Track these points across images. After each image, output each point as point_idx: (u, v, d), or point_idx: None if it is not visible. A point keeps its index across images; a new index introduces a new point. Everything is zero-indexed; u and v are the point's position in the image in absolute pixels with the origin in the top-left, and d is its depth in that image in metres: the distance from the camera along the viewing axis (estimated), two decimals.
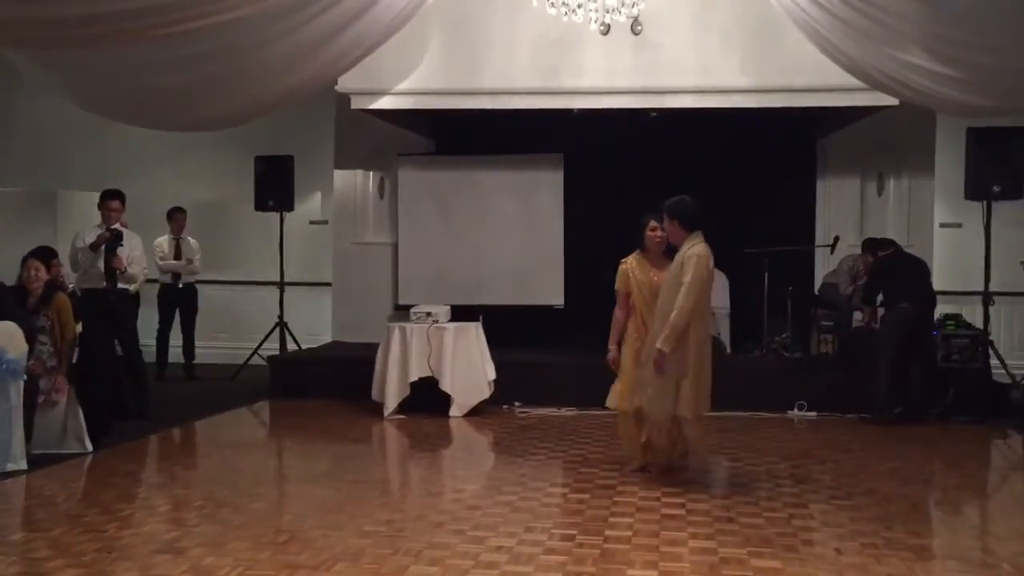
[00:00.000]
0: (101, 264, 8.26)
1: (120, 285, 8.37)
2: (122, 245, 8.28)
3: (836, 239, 9.84)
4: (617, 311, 6.47)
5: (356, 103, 9.57)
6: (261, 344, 10.56)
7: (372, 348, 8.76)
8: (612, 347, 6.45)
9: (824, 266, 10.29)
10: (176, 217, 10.54)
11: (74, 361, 6.89)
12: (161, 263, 10.39)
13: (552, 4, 7.44)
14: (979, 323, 8.94)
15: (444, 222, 10.60)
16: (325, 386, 9.27)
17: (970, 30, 6.59)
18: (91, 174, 11.00)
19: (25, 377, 6.34)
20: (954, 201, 10.07)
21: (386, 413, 8.43)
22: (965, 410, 8.35)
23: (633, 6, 7.62)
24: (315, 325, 11.19)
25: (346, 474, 6.53)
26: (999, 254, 9.19)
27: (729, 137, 9.98)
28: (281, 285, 10.61)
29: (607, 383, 6.49)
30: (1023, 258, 9.50)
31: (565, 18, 7.57)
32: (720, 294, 9.73)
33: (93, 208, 8.67)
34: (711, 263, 6.03)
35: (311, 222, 11.62)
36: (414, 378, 8.47)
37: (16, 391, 6.27)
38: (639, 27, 8.64)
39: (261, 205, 10.62)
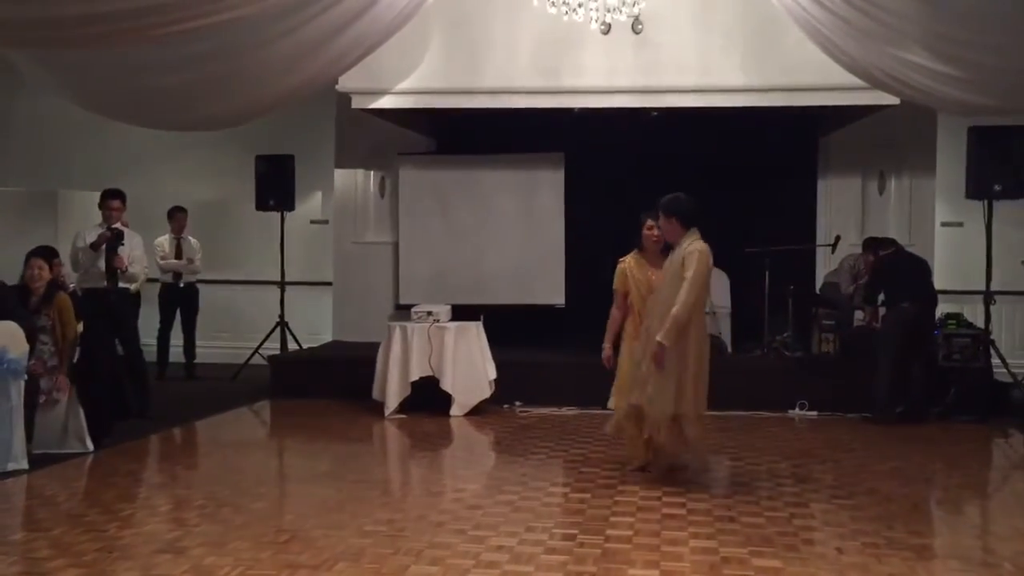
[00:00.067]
0: (102, 264, 8.26)
1: (121, 285, 8.38)
2: (123, 244, 8.28)
3: (837, 238, 9.84)
4: (614, 310, 6.50)
5: (357, 102, 9.57)
6: (262, 344, 10.56)
7: (373, 348, 8.76)
8: (607, 345, 6.47)
9: (825, 265, 10.28)
10: (177, 216, 10.54)
11: (75, 361, 6.89)
12: (162, 263, 10.39)
13: (553, 3, 7.43)
14: (980, 322, 8.93)
15: (445, 221, 10.60)
16: (326, 386, 9.27)
17: (971, 29, 6.59)
18: (92, 174, 11.01)
19: (26, 377, 6.35)
20: (955, 200, 10.06)
21: (387, 412, 8.43)
22: (966, 409, 8.34)
23: (634, 5, 7.61)
24: (316, 325, 11.19)
25: (347, 473, 6.53)
26: (1000, 253, 9.19)
27: (730, 136, 9.97)
28: (282, 285, 10.61)
29: (608, 382, 6.50)
30: None
31: (566, 17, 7.56)
32: (721, 293, 9.74)
33: (94, 208, 8.67)
34: (711, 260, 6.05)
35: (312, 221, 11.63)
36: (415, 377, 8.47)
37: (17, 391, 6.27)
38: (640, 26, 8.63)
39: (262, 204, 10.62)
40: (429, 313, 8.66)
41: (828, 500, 5.79)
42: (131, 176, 10.58)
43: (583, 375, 7.99)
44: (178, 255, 10.45)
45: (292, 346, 10.58)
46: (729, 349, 9.75)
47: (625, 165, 10.19)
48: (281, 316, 10.56)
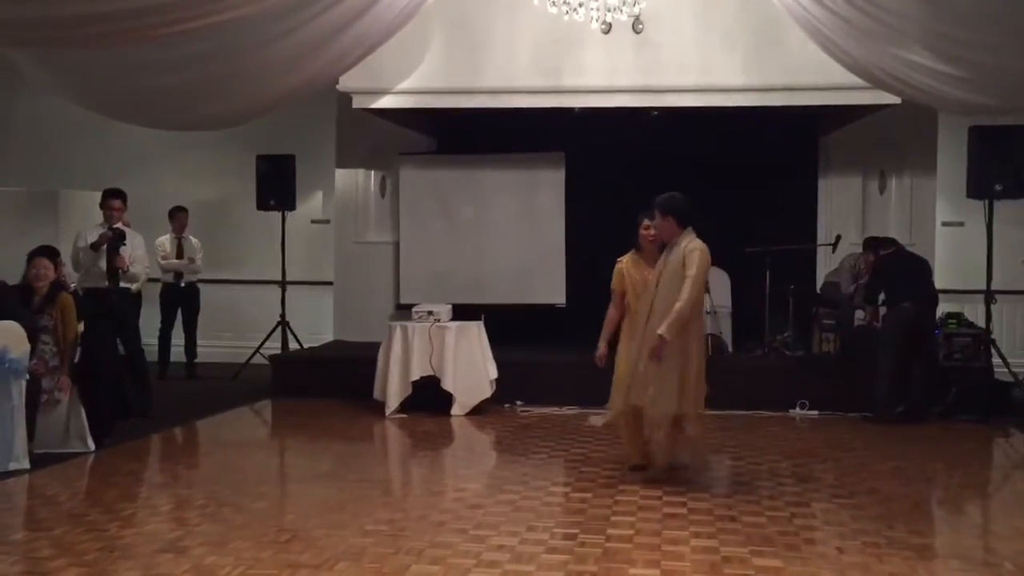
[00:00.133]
0: (103, 263, 8.26)
1: (122, 284, 8.37)
2: (124, 244, 8.28)
3: (838, 238, 9.84)
4: (611, 309, 6.52)
5: (357, 102, 9.58)
6: (263, 343, 10.57)
7: (374, 347, 8.76)
8: (601, 344, 6.48)
9: (826, 265, 10.28)
10: (178, 216, 10.55)
11: (76, 360, 6.89)
12: (163, 262, 10.40)
13: (553, 3, 7.43)
14: (981, 322, 8.93)
15: (446, 221, 10.61)
16: (327, 385, 9.27)
17: (972, 29, 6.59)
18: (93, 174, 11.01)
19: (28, 376, 6.35)
20: (956, 200, 10.07)
21: (388, 412, 8.44)
22: (967, 409, 8.34)
23: (634, 5, 7.61)
24: (317, 324, 11.20)
25: (348, 473, 6.53)
26: (1001, 253, 9.19)
27: (731, 136, 9.98)
28: (283, 284, 10.62)
29: (609, 382, 6.48)
30: None
31: (566, 17, 7.56)
32: (722, 293, 9.76)
33: (95, 208, 8.67)
34: (710, 258, 6.07)
35: (313, 221, 11.63)
36: (416, 377, 8.47)
37: (18, 390, 6.27)
38: (640, 26, 8.63)
39: (263, 204, 10.62)
40: (430, 313, 8.66)
41: (829, 499, 5.79)
42: (132, 176, 10.59)
43: (584, 374, 7.97)
44: (179, 255, 10.45)
45: (293, 346, 10.58)
46: (730, 348, 9.76)
47: (625, 165, 10.19)
48: (282, 316, 10.56)
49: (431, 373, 8.47)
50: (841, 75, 8.40)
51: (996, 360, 8.83)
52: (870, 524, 5.24)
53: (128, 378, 8.04)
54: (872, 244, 9.07)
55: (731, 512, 5.43)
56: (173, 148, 11.20)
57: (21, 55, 7.71)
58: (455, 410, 8.48)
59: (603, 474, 6.31)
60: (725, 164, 10.12)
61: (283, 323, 10.55)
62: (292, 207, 10.68)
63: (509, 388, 8.82)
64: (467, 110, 9.60)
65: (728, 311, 9.89)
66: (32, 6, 5.90)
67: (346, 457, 7.21)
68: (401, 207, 10.74)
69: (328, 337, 11.06)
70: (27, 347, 6.36)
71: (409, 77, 9.30)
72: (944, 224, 10.71)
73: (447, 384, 8.47)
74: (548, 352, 9.72)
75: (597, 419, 6.47)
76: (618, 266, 6.49)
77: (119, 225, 8.40)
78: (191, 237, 10.57)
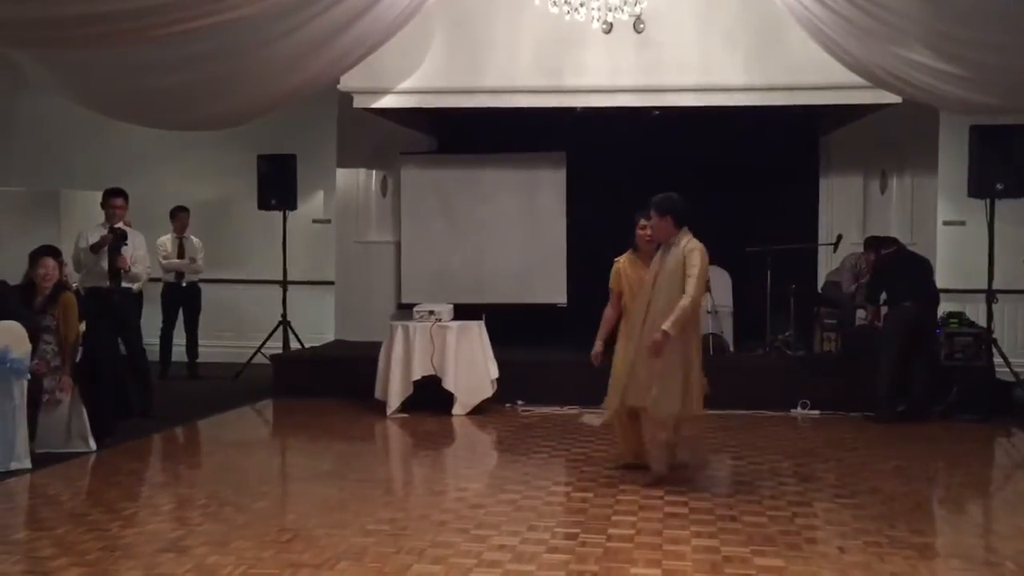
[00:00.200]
0: (105, 263, 8.26)
1: (124, 284, 8.37)
2: (126, 244, 8.28)
3: (839, 237, 9.84)
4: (608, 309, 6.55)
5: (359, 102, 9.57)
6: (264, 343, 10.57)
7: (375, 347, 8.76)
8: (598, 342, 6.50)
9: (827, 264, 10.28)
10: (179, 216, 10.55)
11: (78, 360, 6.89)
12: (164, 262, 10.40)
13: (554, 3, 7.43)
14: (982, 321, 8.93)
15: (447, 221, 10.61)
16: (328, 385, 9.27)
17: (973, 28, 6.59)
18: (94, 173, 11.01)
19: (29, 376, 6.36)
20: (957, 199, 10.06)
21: (389, 412, 8.44)
22: (968, 408, 8.34)
23: (635, 4, 7.60)
24: (318, 324, 11.20)
25: (349, 473, 6.54)
26: (1002, 252, 9.19)
27: (732, 135, 9.98)
28: (284, 284, 10.62)
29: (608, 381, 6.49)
30: None
31: (567, 16, 7.56)
32: (723, 292, 9.76)
33: (96, 208, 8.67)
34: (708, 258, 6.10)
35: (314, 221, 11.63)
36: (417, 377, 8.48)
37: (20, 390, 6.28)
38: (641, 25, 8.63)
39: (264, 204, 10.62)
40: (431, 312, 8.66)
41: (830, 499, 5.79)
42: (133, 176, 10.59)
43: (585, 374, 7.97)
44: (180, 254, 10.46)
45: (294, 345, 10.59)
46: (731, 348, 9.76)
47: (627, 164, 10.18)
48: (283, 315, 10.57)
49: (432, 373, 8.48)
50: (842, 74, 8.40)
51: (997, 359, 8.83)
52: (872, 523, 5.24)
53: (129, 378, 8.05)
54: (873, 243, 9.07)
55: (732, 512, 5.43)
56: (174, 148, 11.20)
57: (23, 55, 7.71)
58: (456, 410, 8.48)
59: (604, 474, 6.31)
60: (726, 164, 10.11)
61: (284, 323, 10.56)
62: (293, 207, 10.69)
63: (510, 388, 8.82)
64: (468, 110, 9.60)
65: (729, 310, 9.89)
66: (32, 6, 5.90)
67: (347, 457, 7.21)
68: (402, 207, 10.74)
69: (329, 337, 11.07)
70: (28, 347, 6.37)
71: (410, 77, 9.30)
72: (945, 223, 10.71)
73: (448, 384, 8.47)
74: (549, 352, 9.72)
75: (592, 418, 6.47)
76: (616, 266, 6.51)
77: (120, 225, 8.39)
78: (192, 237, 10.57)
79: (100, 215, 8.54)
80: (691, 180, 9.43)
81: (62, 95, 8.87)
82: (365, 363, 8.77)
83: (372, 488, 6.04)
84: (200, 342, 10.58)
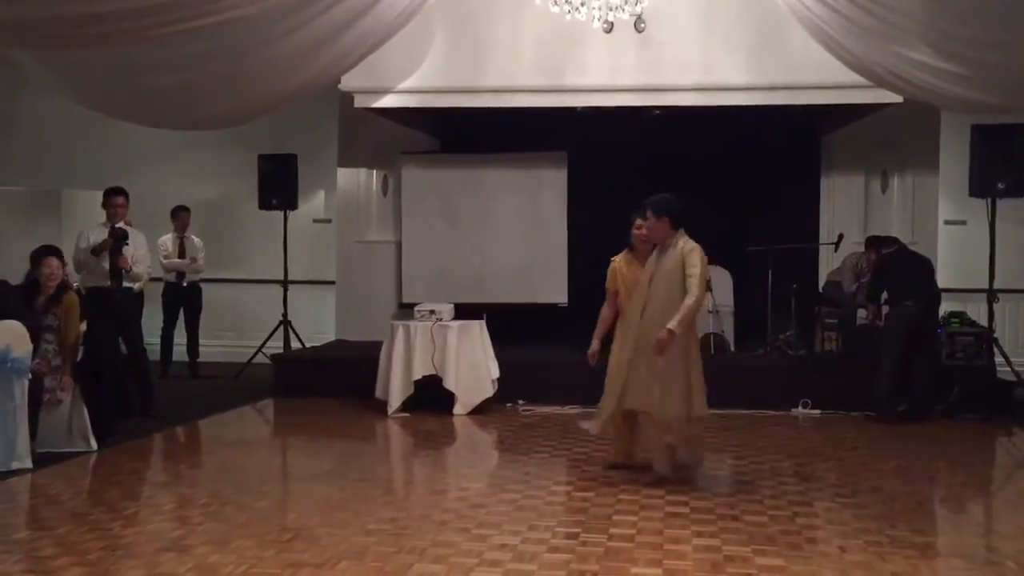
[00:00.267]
0: (106, 263, 8.26)
1: (125, 284, 8.37)
2: (127, 244, 8.28)
3: (840, 237, 9.83)
4: (605, 308, 6.57)
5: (359, 101, 9.57)
6: (265, 342, 10.57)
7: (376, 346, 8.76)
8: (595, 342, 6.50)
9: (828, 264, 10.28)
10: (180, 216, 10.56)
11: (79, 360, 6.90)
12: (165, 261, 10.40)
13: (555, 2, 7.43)
14: (983, 320, 8.93)
15: (448, 220, 10.61)
16: (329, 384, 9.28)
17: (974, 26, 6.59)
18: (95, 173, 11.00)
19: (30, 376, 6.36)
20: (958, 198, 10.05)
21: (390, 411, 8.44)
22: (969, 407, 8.34)
23: (636, 4, 7.60)
24: (319, 323, 11.19)
25: (350, 472, 6.53)
26: (1004, 251, 9.19)
27: (733, 135, 9.98)
28: (285, 283, 10.62)
29: None
30: None
31: (568, 16, 7.56)
32: (724, 292, 9.76)
33: (97, 207, 8.67)
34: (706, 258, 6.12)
35: (315, 220, 11.63)
36: (418, 376, 8.48)
37: (21, 390, 6.28)
38: (642, 25, 8.63)
39: (265, 204, 10.62)
40: (432, 312, 8.66)
41: (831, 498, 5.79)
42: (134, 175, 10.59)
43: (586, 374, 7.99)
44: (181, 254, 10.46)
45: (295, 345, 10.59)
46: (732, 347, 9.76)
47: (628, 164, 10.18)
48: (284, 315, 10.57)
49: (433, 372, 8.48)
50: (843, 74, 8.39)
51: (999, 359, 8.82)
52: (872, 523, 5.23)
53: (130, 377, 8.06)
54: (874, 243, 9.07)
55: (733, 511, 5.43)
56: (175, 147, 11.20)
57: (23, 54, 7.71)
58: (457, 409, 8.48)
59: (605, 473, 6.31)
60: (727, 163, 10.12)
61: (285, 322, 10.56)
62: (294, 206, 10.69)
63: (511, 387, 8.82)
64: (469, 109, 9.60)
65: (730, 310, 9.89)
66: (32, 6, 5.90)
67: (348, 456, 7.21)
68: (403, 206, 10.75)
69: (330, 336, 11.07)
70: (29, 346, 6.37)
71: (411, 76, 9.30)
72: (946, 223, 10.70)
73: (449, 383, 8.47)
74: (550, 351, 9.71)
75: (590, 425, 6.47)
76: (612, 265, 6.53)
77: (121, 224, 8.40)
78: (193, 236, 10.58)
79: (101, 215, 8.54)
80: (692, 179, 9.47)
81: (63, 95, 8.87)
82: (366, 363, 8.77)
83: (373, 487, 6.04)
84: (201, 342, 10.58)
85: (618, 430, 6.34)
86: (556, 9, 7.50)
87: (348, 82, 9.34)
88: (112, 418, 7.20)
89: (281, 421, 8.78)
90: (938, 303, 8.68)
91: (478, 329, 8.72)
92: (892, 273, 8.61)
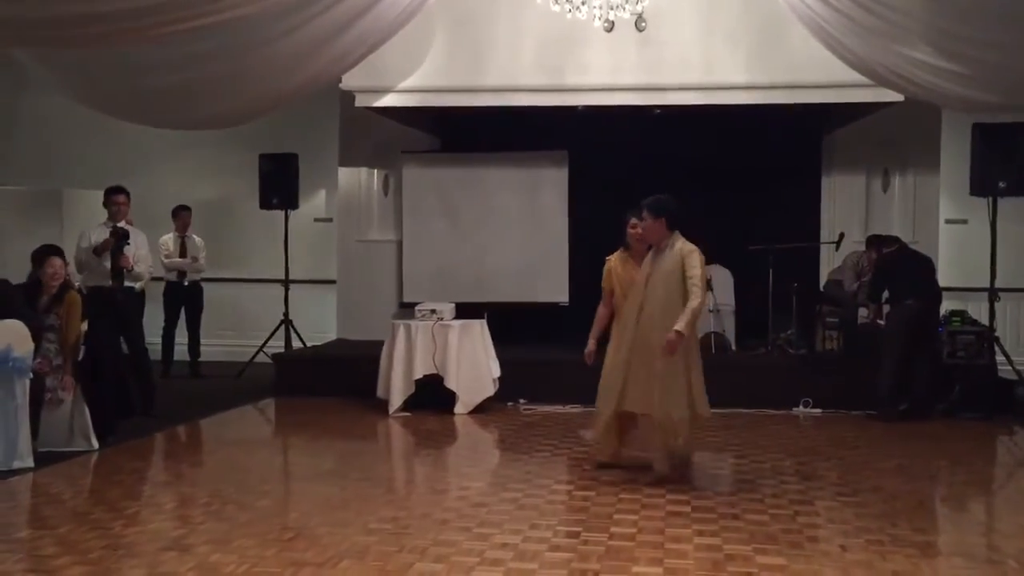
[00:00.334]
0: (107, 262, 8.26)
1: (126, 283, 8.38)
2: (128, 243, 8.28)
3: (841, 236, 9.83)
4: (601, 308, 6.57)
5: (360, 101, 9.58)
6: (266, 342, 10.57)
7: (377, 345, 8.77)
8: (591, 341, 6.51)
9: (829, 263, 10.27)
10: (181, 215, 10.56)
11: (80, 359, 6.90)
12: (166, 261, 10.41)
13: (556, 1, 7.43)
14: (984, 319, 8.93)
15: (449, 219, 10.61)
16: (330, 384, 9.28)
17: (975, 25, 6.59)
18: (96, 173, 10.98)
19: (31, 375, 6.36)
20: (959, 197, 10.05)
21: (391, 410, 8.45)
22: (970, 406, 8.34)
23: (637, 3, 7.60)
24: (320, 323, 11.20)
25: (351, 471, 6.54)
26: (1005, 250, 9.18)
27: (734, 134, 9.97)
28: (286, 283, 10.62)
29: None
30: None
31: (569, 15, 7.56)
32: (725, 291, 9.76)
33: (99, 206, 8.68)
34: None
35: (316, 220, 11.63)
36: (419, 375, 8.48)
37: (22, 389, 6.29)
38: (643, 24, 8.62)
39: (266, 203, 10.62)
40: (433, 311, 8.66)
41: (832, 497, 5.79)
42: (135, 175, 10.58)
43: (587, 373, 8.00)
44: (182, 253, 10.46)
45: (296, 344, 10.59)
46: (733, 346, 9.76)
47: (629, 163, 10.17)
48: (285, 314, 10.56)
49: (434, 371, 8.48)
50: (844, 73, 8.39)
51: (1000, 358, 8.83)
52: (874, 522, 5.23)
53: (132, 377, 8.06)
54: (875, 242, 9.06)
55: (734, 510, 5.43)
56: (176, 147, 11.21)
57: (24, 54, 7.71)
58: (458, 408, 8.48)
59: (606, 472, 6.30)
60: (728, 162, 10.11)
61: (286, 322, 10.56)
62: (295, 206, 10.69)
63: (512, 386, 8.82)
64: (470, 108, 9.60)
65: (731, 309, 9.89)
66: (32, 6, 5.90)
67: (349, 455, 7.22)
68: (404, 205, 10.74)
69: (331, 336, 11.07)
70: (31, 346, 6.37)
71: (412, 76, 9.30)
72: (947, 222, 10.70)
73: (450, 382, 8.48)
74: (551, 350, 9.69)
75: (586, 432, 6.49)
76: (607, 264, 6.53)
77: (123, 224, 8.40)
78: (194, 236, 10.58)
79: (102, 214, 8.54)
80: (693, 179, 9.48)
81: (63, 94, 8.87)
82: (367, 362, 8.78)
83: (374, 487, 6.04)
84: (202, 341, 10.58)
85: (612, 432, 6.33)
86: (557, 8, 7.49)
87: (349, 81, 9.34)
88: (113, 417, 7.21)
89: (282, 420, 8.78)
90: (939, 302, 8.68)
91: (479, 328, 8.73)
92: (893, 272, 8.61)
